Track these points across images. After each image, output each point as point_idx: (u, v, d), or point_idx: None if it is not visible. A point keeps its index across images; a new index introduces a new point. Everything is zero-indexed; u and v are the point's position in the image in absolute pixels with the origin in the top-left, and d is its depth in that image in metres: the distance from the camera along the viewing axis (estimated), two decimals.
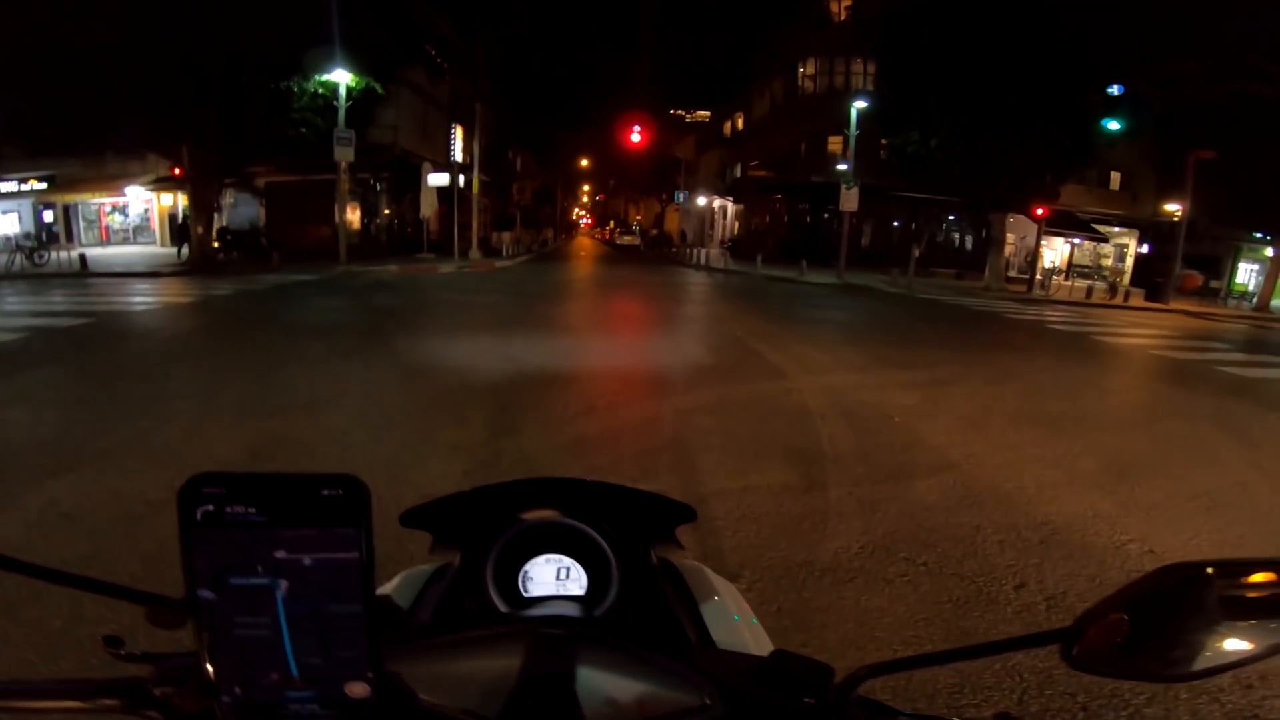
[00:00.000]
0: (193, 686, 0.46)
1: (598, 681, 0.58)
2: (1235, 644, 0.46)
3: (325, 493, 0.39)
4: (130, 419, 4.85)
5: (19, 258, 17.07)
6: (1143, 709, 2.24)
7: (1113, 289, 23.20)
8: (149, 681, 0.48)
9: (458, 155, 31.30)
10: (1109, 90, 18.65)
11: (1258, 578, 0.46)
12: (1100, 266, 32.18)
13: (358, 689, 0.42)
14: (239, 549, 0.39)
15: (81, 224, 26.87)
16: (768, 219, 37.70)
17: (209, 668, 0.41)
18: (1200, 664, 0.47)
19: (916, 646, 2.52)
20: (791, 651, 0.58)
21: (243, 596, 0.40)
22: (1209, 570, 0.46)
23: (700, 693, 0.56)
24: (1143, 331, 14.40)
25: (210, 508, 0.39)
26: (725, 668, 0.60)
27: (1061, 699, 2.27)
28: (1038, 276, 22.87)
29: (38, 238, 21.05)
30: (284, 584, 0.39)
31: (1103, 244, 32.17)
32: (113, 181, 25.07)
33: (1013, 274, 27.54)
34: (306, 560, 0.39)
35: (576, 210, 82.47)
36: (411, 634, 0.74)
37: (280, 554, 0.39)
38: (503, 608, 0.90)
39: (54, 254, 18.17)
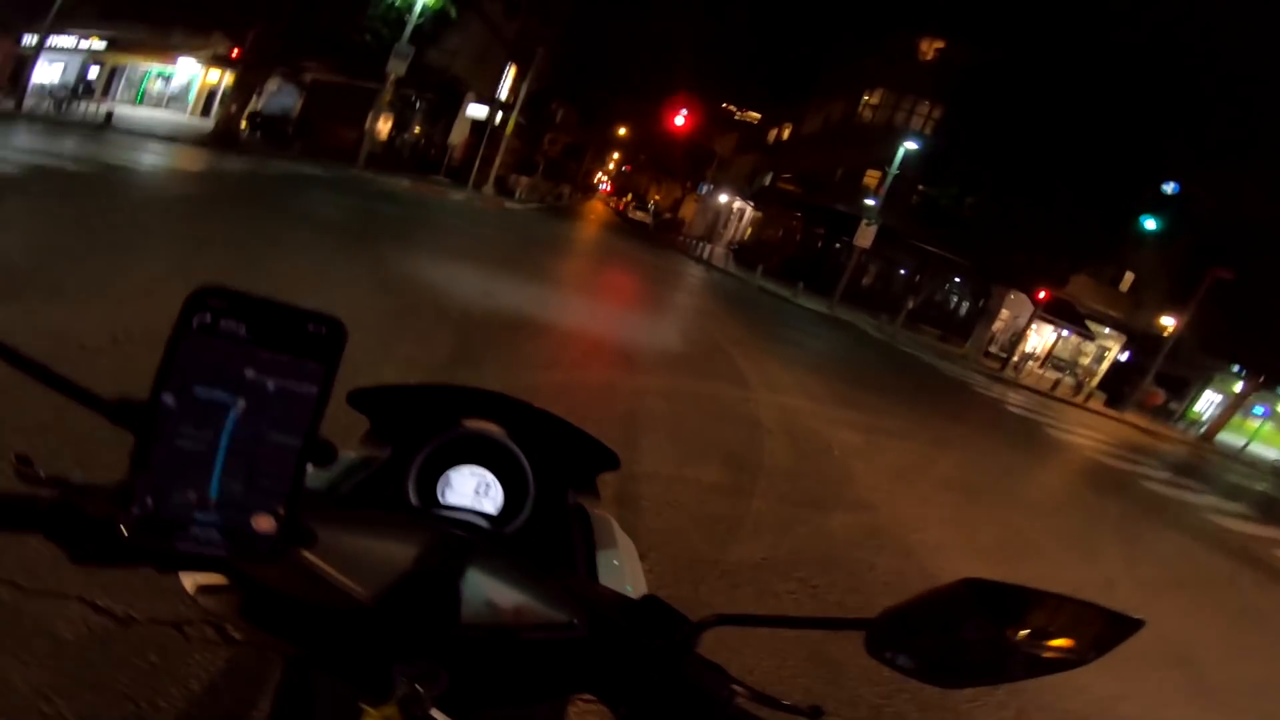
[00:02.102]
0: (103, 494, 0.45)
1: (482, 585, 0.61)
2: (1011, 663, 0.51)
3: (310, 327, 0.41)
4: (94, 266, 4.89)
5: (48, 104, 16.90)
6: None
7: (1079, 387, 23.86)
8: (40, 501, 0.46)
9: (504, 93, 30.94)
10: (1162, 187, 18.44)
11: (1042, 609, 0.52)
12: (1077, 363, 32.87)
13: (263, 521, 0.42)
14: (215, 361, 0.40)
15: (123, 84, 26.31)
16: (781, 233, 37.77)
17: (132, 477, 0.40)
18: (980, 673, 0.51)
19: (780, 658, 2.83)
20: (661, 599, 0.61)
21: (200, 407, 0.40)
22: (1004, 589, 0.51)
23: (571, 614, 0.61)
24: (1089, 434, 15.01)
25: (207, 318, 0.40)
26: (599, 599, 0.64)
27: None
28: (1014, 358, 23.37)
29: (74, 90, 20.63)
30: (241, 403, 0.41)
31: (1087, 341, 32.84)
32: (171, 51, 24.58)
33: (992, 349, 28.09)
34: (270, 385, 0.41)
35: (600, 174, 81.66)
36: (325, 502, 0.78)
37: (249, 373, 0.40)
38: (417, 504, 0.94)
39: (84, 105, 17.93)
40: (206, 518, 0.41)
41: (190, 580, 0.58)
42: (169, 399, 0.40)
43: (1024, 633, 0.51)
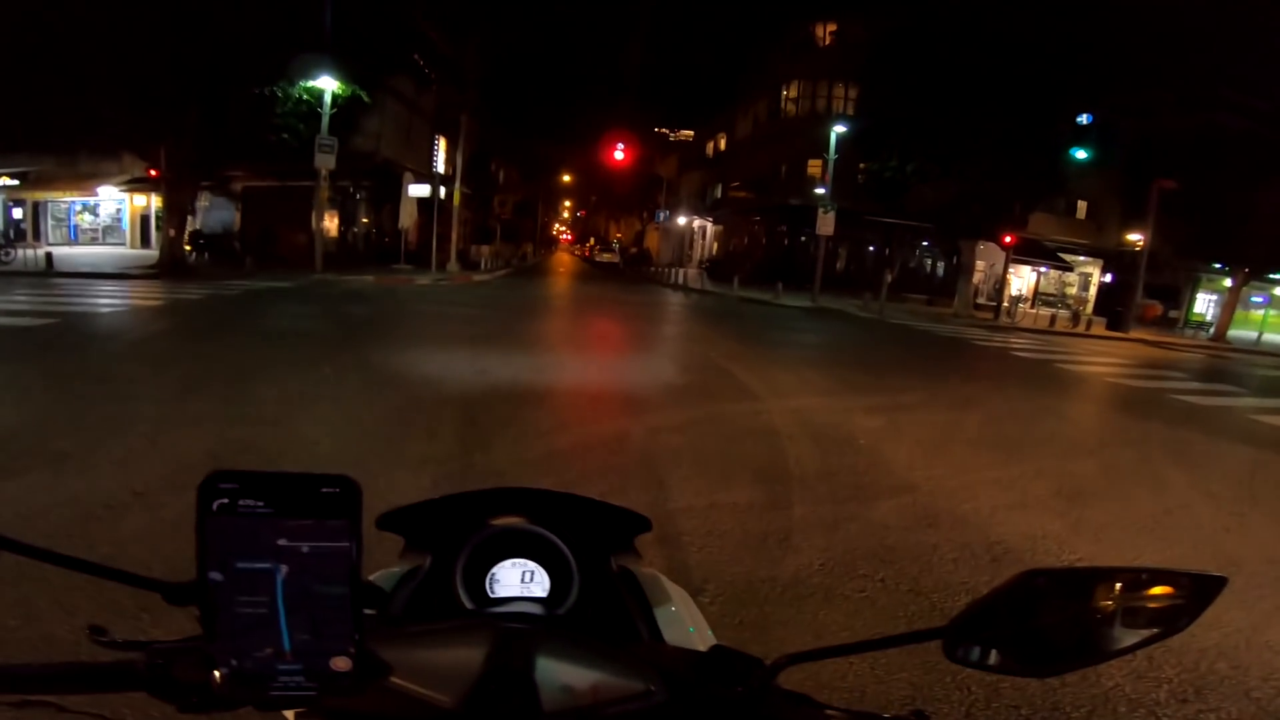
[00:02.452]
0: (194, 659, 0.50)
1: (555, 671, 0.62)
2: (1091, 644, 0.52)
3: (324, 490, 0.45)
4: (91, 423, 4.79)
5: None
6: None
7: (1075, 318, 23.89)
8: (137, 664, 0.51)
9: (440, 166, 31.28)
10: (1078, 119, 19.22)
11: (1116, 584, 0.52)
12: (1065, 295, 33.10)
13: (340, 663, 0.47)
14: (246, 536, 0.44)
15: (50, 222, 26.26)
16: (746, 241, 38.15)
17: (211, 643, 0.45)
18: (1069, 658, 0.52)
19: (871, 660, 2.61)
20: (728, 646, 0.63)
21: (247, 578, 0.44)
22: (1066, 574, 0.52)
23: (647, 681, 0.61)
24: (1102, 360, 14.87)
25: (225, 500, 0.44)
26: (670, 660, 0.66)
27: (1006, 711, 2.38)
28: (1004, 304, 23.46)
29: (4, 235, 20.54)
30: (284, 568, 0.45)
31: (1068, 273, 33.11)
32: (86, 181, 24.59)
33: (981, 301, 28.23)
34: (304, 548, 0.45)
35: (557, 225, 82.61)
36: (384, 624, 0.79)
37: (282, 541, 0.44)
38: (470, 606, 0.95)
39: (20, 252, 17.78)
40: (289, 666, 0.46)
41: (292, 714, 0.61)
42: (216, 575, 0.44)
43: (1103, 612, 0.51)
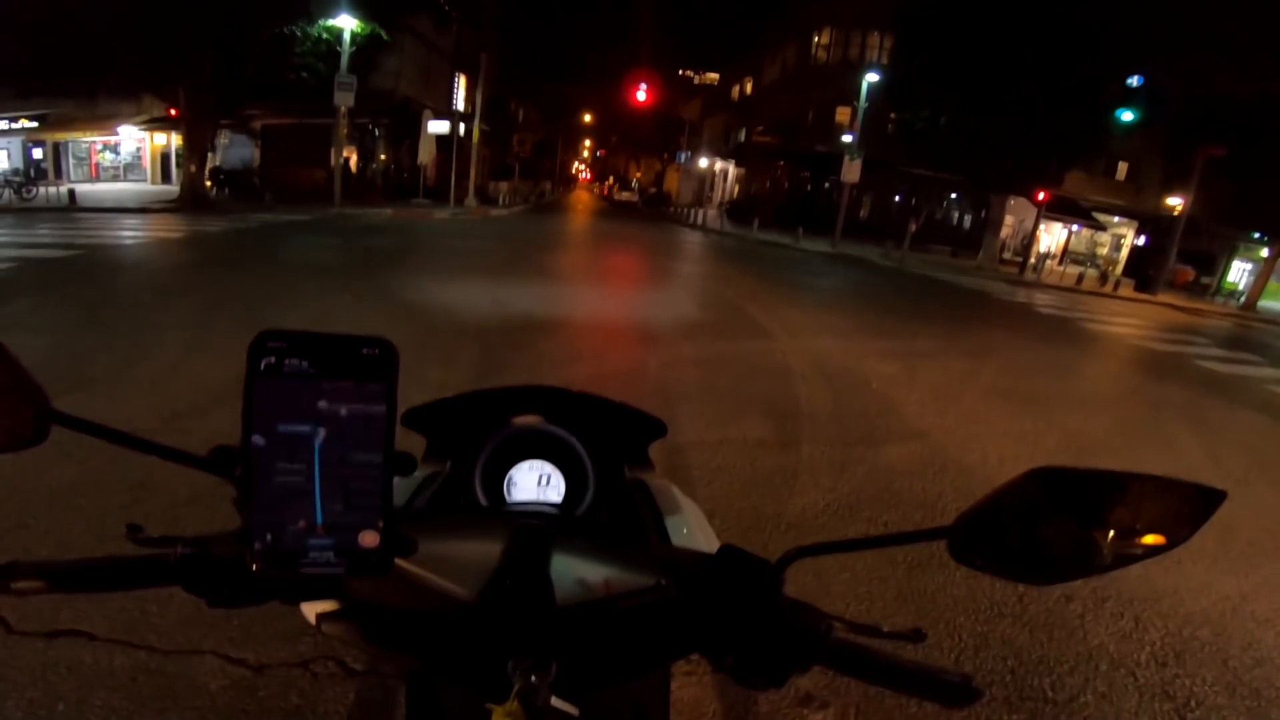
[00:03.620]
0: (229, 538, 0.50)
1: (569, 565, 0.63)
2: (1098, 555, 0.50)
3: (364, 351, 0.45)
4: (118, 350, 4.87)
5: (7, 192, 16.78)
6: (1065, 677, 2.41)
7: (1104, 277, 23.34)
8: (169, 558, 0.51)
9: (460, 104, 30.71)
10: (1127, 81, 18.36)
11: (1121, 493, 0.51)
12: (1095, 255, 32.26)
13: (368, 538, 0.46)
14: (290, 398, 0.44)
15: (71, 161, 26.25)
16: (768, 185, 37.37)
17: (249, 514, 0.45)
18: (1068, 567, 0.51)
19: (869, 603, 2.68)
20: (736, 546, 0.62)
21: (287, 443, 0.44)
22: (1075, 475, 0.50)
23: (657, 576, 0.63)
24: (1127, 321, 14.58)
25: (272, 359, 0.44)
26: (680, 558, 0.67)
27: (994, 661, 2.44)
28: (1031, 260, 22.94)
29: (26, 173, 20.60)
30: (322, 432, 0.45)
31: (1100, 232, 32.19)
32: (105, 121, 24.42)
33: (1007, 256, 27.60)
34: (343, 410, 0.45)
35: (576, 164, 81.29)
36: (408, 517, 0.81)
37: (322, 404, 0.44)
38: (487, 506, 0.98)
39: (43, 189, 17.85)
40: (320, 542, 0.45)
41: (311, 612, 0.60)
42: (259, 440, 0.44)
43: (1106, 520, 0.50)
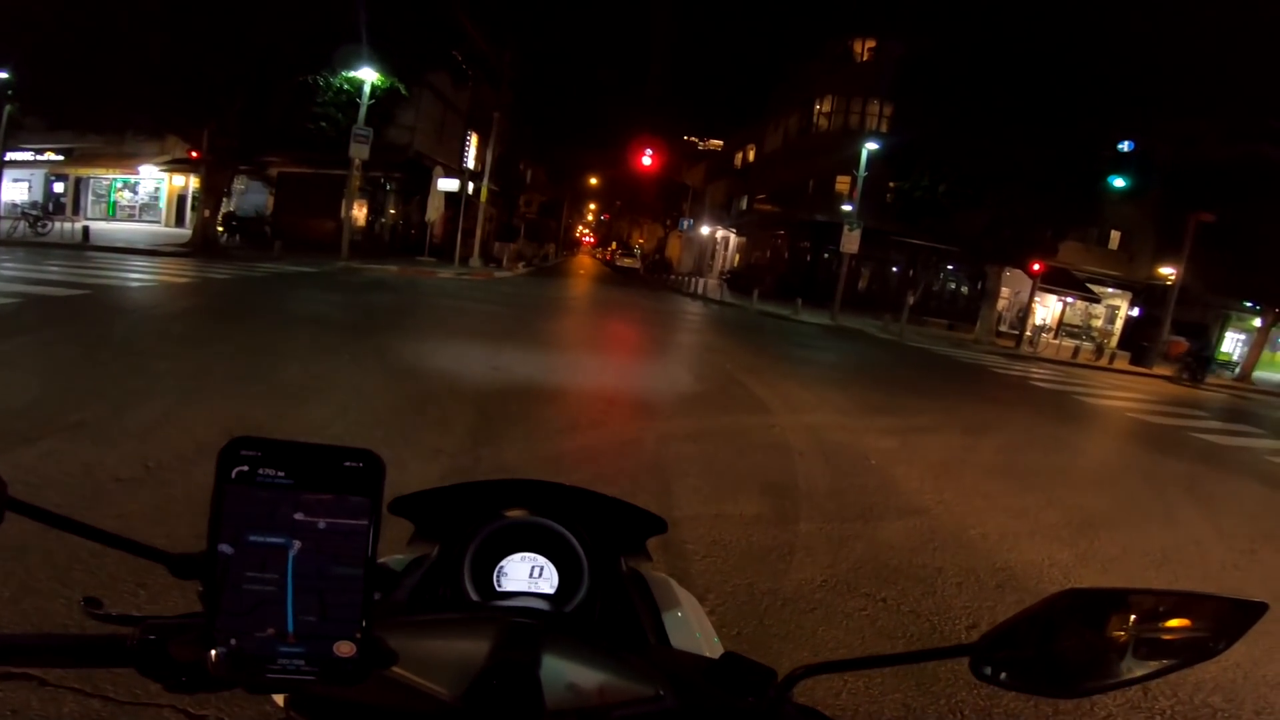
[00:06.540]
0: (190, 637, 0.47)
1: (561, 669, 0.60)
2: (1121, 666, 0.51)
3: (347, 464, 0.43)
4: (110, 395, 4.85)
5: (22, 225, 17.12)
6: None
7: (1099, 350, 23.52)
8: (128, 639, 0.49)
9: (470, 162, 31.59)
10: (1119, 146, 18.84)
11: (1146, 609, 0.51)
12: (1090, 327, 32.60)
13: (344, 648, 0.44)
14: (263, 508, 0.42)
15: (90, 197, 26.92)
16: (768, 254, 38.01)
17: (212, 620, 0.43)
18: (1091, 679, 0.51)
19: (866, 679, 2.60)
20: (740, 654, 0.60)
21: (258, 553, 0.42)
22: (1107, 595, 0.51)
23: (655, 685, 0.59)
24: (1123, 394, 14.65)
25: (244, 468, 0.42)
26: (680, 665, 0.63)
27: None
28: (1027, 333, 23.14)
29: (44, 207, 21.04)
30: (297, 544, 0.43)
31: (1094, 304, 32.62)
32: (129, 160, 25.18)
33: (1003, 328, 27.85)
34: (321, 524, 0.43)
35: (580, 228, 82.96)
36: (388, 612, 0.78)
37: (299, 516, 0.42)
38: (476, 598, 0.93)
39: (58, 224, 18.21)
40: (291, 650, 0.43)
41: (282, 698, 0.58)
42: (226, 549, 0.42)
43: (1134, 633, 0.50)
